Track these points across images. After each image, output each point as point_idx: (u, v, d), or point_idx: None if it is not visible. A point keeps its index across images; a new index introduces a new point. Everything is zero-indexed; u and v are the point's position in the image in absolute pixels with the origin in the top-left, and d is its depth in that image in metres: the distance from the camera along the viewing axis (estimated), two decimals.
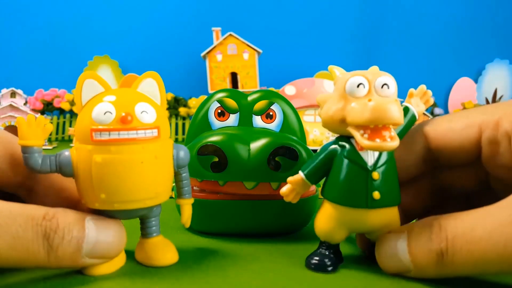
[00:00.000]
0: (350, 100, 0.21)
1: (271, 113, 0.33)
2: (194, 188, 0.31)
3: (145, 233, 0.25)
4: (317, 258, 0.24)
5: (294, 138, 0.31)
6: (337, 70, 0.24)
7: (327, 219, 0.23)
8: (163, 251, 0.25)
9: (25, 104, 1.12)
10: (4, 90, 1.06)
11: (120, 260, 0.24)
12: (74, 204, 0.25)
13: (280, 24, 1.45)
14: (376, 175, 0.21)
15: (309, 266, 0.24)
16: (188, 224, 0.27)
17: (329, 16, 1.46)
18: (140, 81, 0.24)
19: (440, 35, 1.48)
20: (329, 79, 1.18)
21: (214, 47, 1.24)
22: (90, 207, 0.23)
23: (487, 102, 1.51)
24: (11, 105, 0.93)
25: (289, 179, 0.24)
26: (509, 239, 0.18)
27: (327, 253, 0.24)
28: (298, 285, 0.21)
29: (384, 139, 0.20)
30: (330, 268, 0.23)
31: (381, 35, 1.47)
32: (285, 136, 0.30)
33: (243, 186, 0.28)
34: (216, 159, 0.27)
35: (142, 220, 0.25)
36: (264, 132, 0.31)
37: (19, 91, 1.08)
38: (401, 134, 0.23)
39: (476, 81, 1.46)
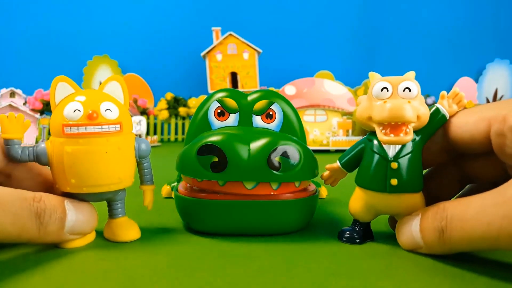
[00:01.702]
0: (376, 101, 0.26)
1: (271, 113, 0.33)
2: (194, 188, 0.30)
3: (111, 214, 0.29)
4: (348, 232, 0.28)
5: (294, 138, 0.31)
6: (375, 75, 0.27)
7: (357, 200, 0.28)
8: (127, 229, 0.29)
9: (24, 104, 1.12)
10: (4, 90, 1.06)
11: (91, 236, 0.28)
12: (48, 188, 0.29)
13: (280, 24, 1.45)
14: (394, 165, 0.25)
15: (341, 238, 0.29)
16: (150, 207, 0.30)
17: (330, 15, 1.46)
18: (106, 84, 0.28)
19: (441, 35, 1.48)
20: (329, 79, 1.18)
21: (214, 46, 1.24)
22: (62, 191, 0.26)
23: (488, 101, 1.51)
24: (10, 105, 0.93)
25: (327, 166, 0.29)
26: (492, 219, 0.20)
27: (357, 229, 0.28)
28: (298, 285, 0.21)
29: (397, 134, 0.25)
30: (357, 241, 0.28)
31: (382, 34, 1.46)
32: (285, 136, 0.30)
33: (243, 186, 0.28)
34: (216, 159, 0.27)
35: (109, 203, 0.29)
36: (264, 132, 0.30)
37: (19, 91, 1.08)
38: (427, 131, 0.26)
39: (476, 80, 1.46)
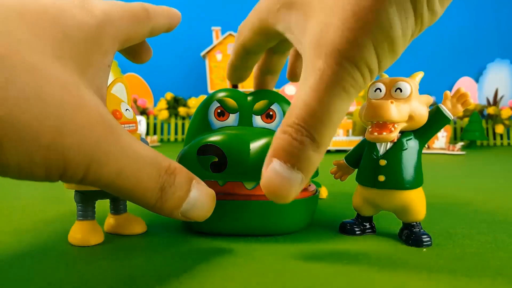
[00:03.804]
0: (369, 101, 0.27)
1: (271, 113, 0.33)
2: None
3: (117, 210, 0.30)
4: (349, 224, 0.30)
5: None
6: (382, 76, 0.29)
7: (356, 195, 0.30)
8: (135, 223, 0.30)
9: None
10: None
11: (99, 237, 0.28)
12: None
13: None
14: (382, 162, 0.27)
15: (342, 230, 0.30)
16: None
17: None
18: (113, 85, 0.29)
19: (442, 35, 1.48)
20: None
21: (214, 46, 1.24)
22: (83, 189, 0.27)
23: (488, 101, 1.51)
24: None
25: (334, 162, 0.32)
26: None
27: (357, 223, 0.30)
28: (298, 285, 0.21)
29: (380, 132, 0.26)
30: (358, 232, 0.30)
31: None
32: None
33: (243, 186, 0.28)
34: (216, 159, 0.27)
35: (115, 200, 0.30)
36: (264, 132, 0.30)
37: None
38: (427, 131, 0.27)
39: (477, 80, 1.46)
